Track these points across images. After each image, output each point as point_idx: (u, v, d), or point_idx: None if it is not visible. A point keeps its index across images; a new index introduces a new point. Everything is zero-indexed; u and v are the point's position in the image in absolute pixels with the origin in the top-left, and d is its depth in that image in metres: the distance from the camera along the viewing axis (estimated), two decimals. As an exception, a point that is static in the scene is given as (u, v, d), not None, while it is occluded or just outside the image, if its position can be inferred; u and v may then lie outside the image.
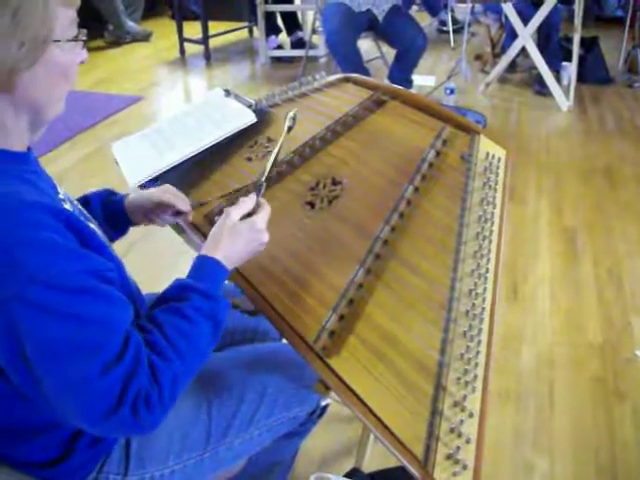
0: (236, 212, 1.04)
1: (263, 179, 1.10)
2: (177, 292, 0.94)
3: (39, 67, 0.83)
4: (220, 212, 1.28)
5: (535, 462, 1.69)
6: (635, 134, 3.86)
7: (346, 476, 1.31)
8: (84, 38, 0.89)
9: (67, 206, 0.93)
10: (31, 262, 0.77)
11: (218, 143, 1.47)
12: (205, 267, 0.98)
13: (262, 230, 1.05)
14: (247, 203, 1.06)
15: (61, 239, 0.80)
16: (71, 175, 3.27)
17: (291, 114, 1.21)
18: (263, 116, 1.55)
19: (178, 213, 1.25)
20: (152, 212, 1.24)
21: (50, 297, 0.77)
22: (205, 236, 1.24)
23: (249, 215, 1.05)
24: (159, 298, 0.95)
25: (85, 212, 1.05)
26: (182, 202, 1.23)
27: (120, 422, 0.81)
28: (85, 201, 1.21)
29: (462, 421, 0.87)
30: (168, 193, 1.23)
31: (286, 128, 1.20)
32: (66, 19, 0.85)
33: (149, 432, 0.85)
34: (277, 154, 1.14)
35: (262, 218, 1.05)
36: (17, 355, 0.77)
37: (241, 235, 1.02)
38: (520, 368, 2.01)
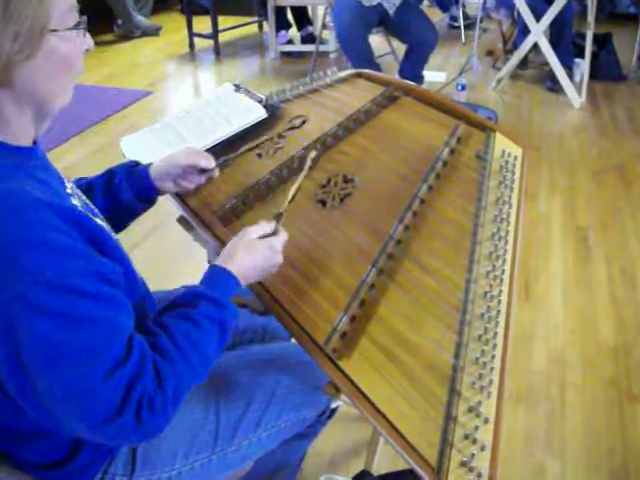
0: (254, 231, 1.04)
1: (283, 210, 1.13)
2: (187, 298, 0.93)
3: (39, 59, 0.80)
4: (231, 209, 1.27)
5: (547, 465, 1.66)
6: (648, 132, 3.81)
7: (355, 478, 1.29)
8: (84, 26, 0.86)
9: (75, 201, 0.92)
10: (35, 263, 0.75)
11: (228, 139, 1.45)
12: (217, 276, 0.97)
13: (278, 252, 1.04)
14: (266, 226, 1.07)
15: (67, 240, 0.78)
16: (81, 169, 3.25)
17: (312, 155, 1.22)
18: (274, 112, 1.53)
19: (202, 172, 1.26)
20: (180, 177, 1.24)
21: (52, 299, 0.75)
22: (219, 239, 1.23)
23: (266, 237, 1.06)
24: (168, 304, 0.94)
25: (92, 206, 1.03)
26: (206, 159, 1.24)
27: (122, 427, 0.79)
28: (110, 174, 1.21)
29: (477, 427, 0.85)
30: (191, 154, 1.23)
31: (307, 168, 1.23)
32: (65, 5, 0.82)
33: (151, 438, 0.83)
34: (298, 188, 1.18)
35: (279, 241, 1.05)
36: (14, 358, 0.75)
37: (257, 251, 1.02)
38: (532, 369, 1.98)
